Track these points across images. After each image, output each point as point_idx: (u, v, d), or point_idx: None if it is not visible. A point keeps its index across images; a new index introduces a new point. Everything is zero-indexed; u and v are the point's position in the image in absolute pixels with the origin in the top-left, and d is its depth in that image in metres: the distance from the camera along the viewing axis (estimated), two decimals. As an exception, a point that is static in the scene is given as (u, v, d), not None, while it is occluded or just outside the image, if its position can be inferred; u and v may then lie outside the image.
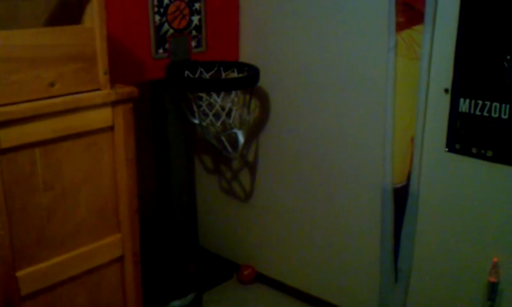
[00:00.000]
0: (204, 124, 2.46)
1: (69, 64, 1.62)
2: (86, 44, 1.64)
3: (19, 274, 1.61)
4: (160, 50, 2.31)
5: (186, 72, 2.38)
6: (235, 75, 2.50)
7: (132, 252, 1.90)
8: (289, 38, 2.49)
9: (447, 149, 2.10)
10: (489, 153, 2.00)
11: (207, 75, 2.46)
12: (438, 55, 2.05)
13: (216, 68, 2.47)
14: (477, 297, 2.12)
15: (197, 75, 2.43)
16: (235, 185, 2.93)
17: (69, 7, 1.74)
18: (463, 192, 2.10)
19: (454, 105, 2.04)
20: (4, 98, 1.49)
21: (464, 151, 2.05)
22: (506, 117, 1.92)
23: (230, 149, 2.59)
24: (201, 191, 3.10)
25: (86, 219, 1.75)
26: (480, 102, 1.98)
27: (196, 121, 2.49)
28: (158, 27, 2.28)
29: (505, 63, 1.89)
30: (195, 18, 2.42)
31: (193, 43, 2.44)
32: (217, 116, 2.46)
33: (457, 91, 2.03)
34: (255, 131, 2.73)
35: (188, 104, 2.49)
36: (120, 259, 1.88)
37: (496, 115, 1.95)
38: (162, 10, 2.27)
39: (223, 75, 2.50)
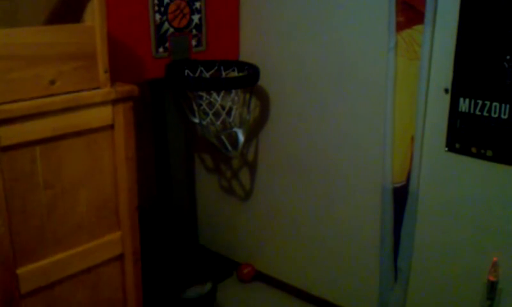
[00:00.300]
0: (204, 123, 2.46)
1: (69, 63, 1.62)
2: (86, 42, 1.65)
3: (19, 271, 1.61)
4: (161, 49, 2.31)
5: (186, 71, 2.39)
6: (235, 74, 2.50)
7: (132, 250, 1.90)
8: (289, 37, 2.49)
9: (446, 148, 2.10)
10: (489, 153, 2.00)
11: (207, 74, 2.46)
12: (438, 55, 2.05)
13: (216, 67, 2.47)
14: (477, 296, 2.12)
15: (197, 74, 2.43)
16: (235, 183, 2.93)
17: (70, 5, 1.74)
18: (462, 191, 2.10)
19: (454, 104, 2.05)
20: (4, 96, 1.49)
21: (464, 151, 2.06)
22: (506, 117, 1.93)
23: (230, 148, 2.59)
24: (201, 190, 3.11)
25: (86, 217, 1.75)
26: (480, 102, 1.98)
27: (196, 120, 2.49)
28: (158, 26, 2.28)
29: (505, 63, 1.89)
30: (195, 17, 2.42)
31: (193, 42, 2.44)
32: (217, 115, 2.46)
33: (457, 90, 2.03)
34: (255, 130, 2.73)
35: (188, 103, 2.49)
36: (120, 258, 1.88)
37: (496, 115, 1.95)
38: (162, 9, 2.28)
39: (223, 74, 2.50)
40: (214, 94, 2.42)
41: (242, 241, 2.98)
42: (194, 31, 2.43)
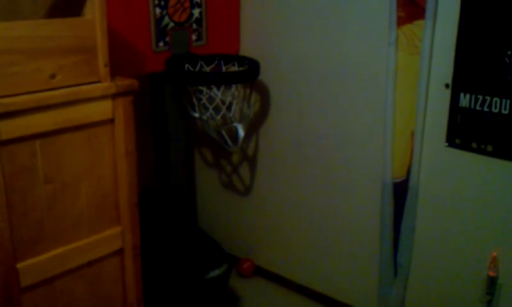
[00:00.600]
0: (204, 117, 2.46)
1: (69, 57, 1.61)
2: (86, 36, 1.64)
3: (19, 265, 1.61)
4: (161, 43, 2.31)
5: (186, 65, 2.38)
6: (235, 68, 2.49)
7: (132, 245, 1.90)
8: (290, 31, 2.48)
9: (447, 144, 2.10)
10: (489, 148, 2.00)
11: (208, 69, 2.45)
12: (439, 50, 2.04)
13: (216, 62, 2.47)
14: (476, 291, 2.12)
15: (197, 69, 2.42)
16: (235, 178, 2.93)
17: (70, -1, 1.74)
18: (462, 186, 2.11)
19: (454, 100, 2.04)
20: (4, 89, 1.49)
21: (465, 146, 2.06)
22: (506, 112, 1.92)
23: (230, 143, 2.58)
24: (201, 185, 3.11)
25: (86, 211, 1.75)
26: (480, 97, 1.98)
27: (196, 115, 2.49)
28: (158, 20, 2.27)
29: (506, 58, 1.89)
30: (196, 12, 2.41)
31: (194, 37, 2.44)
32: (217, 109, 2.46)
33: (457, 86, 2.02)
34: (255, 125, 2.73)
35: (188, 97, 2.49)
36: (120, 252, 1.88)
37: (497, 110, 1.95)
38: (163, 3, 2.27)
39: (224, 68, 2.49)
40: (214, 89, 2.42)
41: (242, 236, 2.99)
42: (194, 25, 2.42)
